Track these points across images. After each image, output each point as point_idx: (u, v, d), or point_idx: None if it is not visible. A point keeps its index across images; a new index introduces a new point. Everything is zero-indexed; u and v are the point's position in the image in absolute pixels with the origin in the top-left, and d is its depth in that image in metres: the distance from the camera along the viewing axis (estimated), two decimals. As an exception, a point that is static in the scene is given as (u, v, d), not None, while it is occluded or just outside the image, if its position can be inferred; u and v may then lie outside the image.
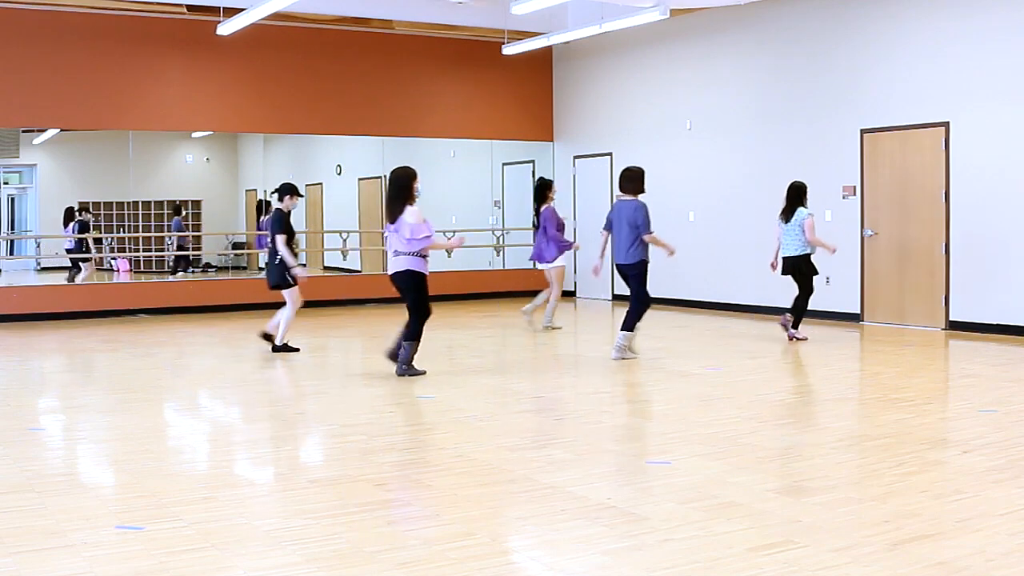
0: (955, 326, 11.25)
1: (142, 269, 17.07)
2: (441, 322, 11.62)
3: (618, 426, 6.85)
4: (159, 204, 17.29)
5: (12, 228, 18.68)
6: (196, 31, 13.98)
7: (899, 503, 4.66)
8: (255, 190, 17.93)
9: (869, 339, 11.00)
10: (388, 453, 5.85)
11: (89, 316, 13.68)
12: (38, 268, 17.59)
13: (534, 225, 11.85)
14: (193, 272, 17.23)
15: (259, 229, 16.29)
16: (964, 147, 11.10)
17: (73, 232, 15.71)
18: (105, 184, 16.80)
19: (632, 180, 9.25)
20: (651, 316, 10.37)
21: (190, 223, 17.59)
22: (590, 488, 4.97)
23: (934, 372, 9.17)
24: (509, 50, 14.80)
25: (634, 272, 9.20)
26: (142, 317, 13.83)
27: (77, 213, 15.91)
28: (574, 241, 12.47)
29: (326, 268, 17.55)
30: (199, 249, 18.03)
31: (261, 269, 17.46)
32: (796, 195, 10.45)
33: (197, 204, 17.90)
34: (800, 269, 10.43)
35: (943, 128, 11.27)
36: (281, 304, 10.05)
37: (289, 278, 9.80)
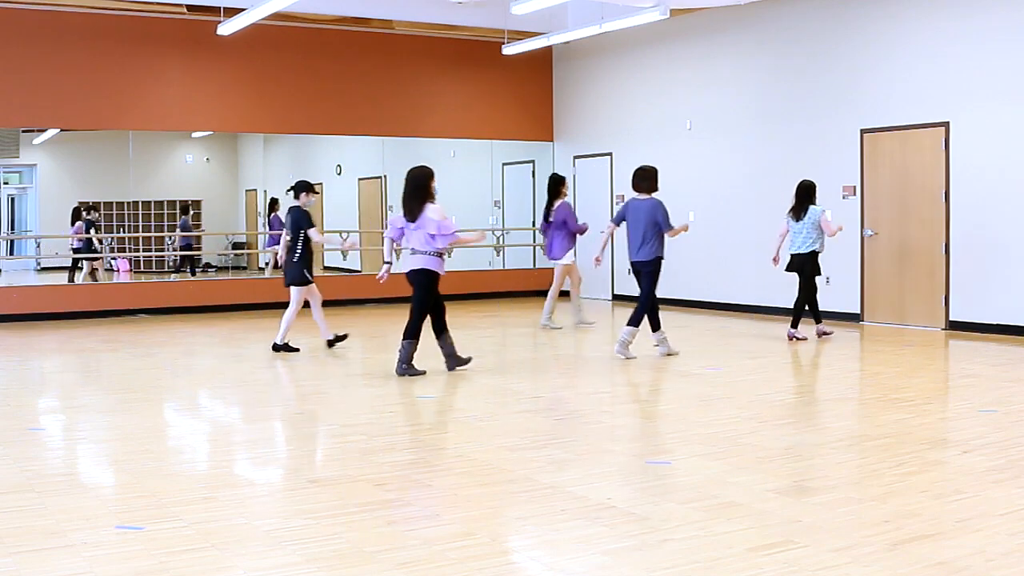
0: (955, 326, 11.25)
1: (142, 269, 17.08)
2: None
3: (618, 426, 6.85)
4: (159, 204, 17.29)
5: (12, 228, 18.67)
6: (196, 31, 13.98)
7: (899, 503, 4.66)
8: (255, 190, 17.94)
9: (869, 339, 11.00)
10: (388, 453, 5.85)
11: (89, 316, 13.68)
12: (38, 268, 17.59)
13: (545, 221, 11.84)
14: (194, 272, 17.23)
15: (270, 228, 16.29)
16: (964, 147, 11.10)
17: (80, 232, 15.71)
18: (105, 184, 16.79)
19: (647, 179, 9.34)
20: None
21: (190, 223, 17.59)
22: (590, 488, 4.97)
23: (934, 372, 9.17)
24: (509, 50, 14.79)
25: (648, 269, 9.28)
26: (142, 317, 13.83)
27: (84, 212, 15.90)
28: (585, 224, 12.29)
29: (326, 268, 17.55)
30: (199, 249, 18.03)
31: (261, 269, 17.56)
32: (806, 194, 10.48)
33: (197, 204, 17.89)
34: (805, 267, 10.46)
35: (943, 128, 11.27)
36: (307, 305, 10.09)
37: (307, 275, 9.86)
